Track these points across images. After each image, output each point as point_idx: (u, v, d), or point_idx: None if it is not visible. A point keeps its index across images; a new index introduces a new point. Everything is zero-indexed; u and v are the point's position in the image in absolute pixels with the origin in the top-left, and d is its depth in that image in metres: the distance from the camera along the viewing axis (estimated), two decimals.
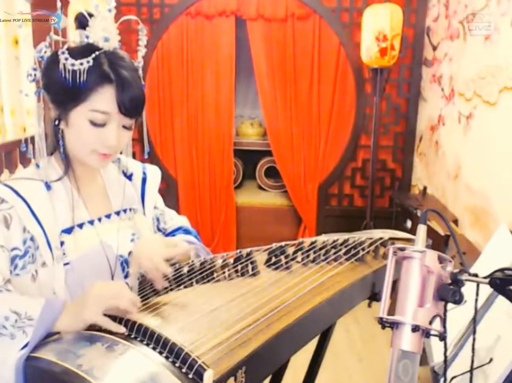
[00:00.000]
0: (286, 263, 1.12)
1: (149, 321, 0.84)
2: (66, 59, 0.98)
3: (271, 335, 0.86)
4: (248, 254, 1.13)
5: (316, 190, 3.84)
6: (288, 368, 1.34)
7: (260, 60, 3.63)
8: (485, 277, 0.81)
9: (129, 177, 1.25)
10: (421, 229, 0.85)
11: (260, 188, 4.30)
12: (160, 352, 0.77)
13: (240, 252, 1.13)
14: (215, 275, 1.05)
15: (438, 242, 2.33)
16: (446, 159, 3.08)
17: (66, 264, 1.03)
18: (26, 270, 0.99)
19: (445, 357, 0.84)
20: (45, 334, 0.86)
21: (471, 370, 0.95)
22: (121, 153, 1.16)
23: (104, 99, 0.99)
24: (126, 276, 1.13)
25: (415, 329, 0.75)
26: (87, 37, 1.02)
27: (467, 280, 0.80)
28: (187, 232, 1.33)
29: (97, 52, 0.99)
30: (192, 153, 3.80)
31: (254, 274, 1.06)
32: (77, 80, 0.97)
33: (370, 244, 1.28)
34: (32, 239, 1.00)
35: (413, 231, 2.12)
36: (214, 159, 3.81)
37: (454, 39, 3.00)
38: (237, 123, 4.25)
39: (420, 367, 0.78)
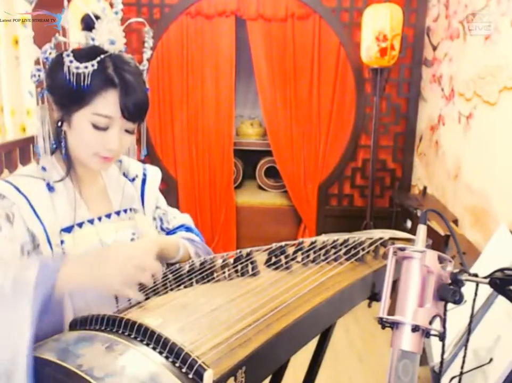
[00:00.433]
0: (286, 263, 1.12)
1: (149, 320, 0.84)
2: (71, 61, 0.97)
3: (271, 335, 0.86)
4: (248, 254, 1.13)
5: (316, 190, 3.84)
6: (288, 368, 1.34)
7: (260, 60, 3.63)
8: (485, 277, 0.81)
9: (133, 179, 1.25)
10: (421, 229, 0.85)
11: (260, 188, 4.30)
12: (160, 352, 0.77)
13: (240, 252, 1.13)
14: (215, 275, 1.05)
15: (438, 242, 2.33)
16: (446, 159, 3.08)
17: None
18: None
19: (442, 357, 0.84)
20: (48, 291, 0.83)
21: (470, 370, 0.95)
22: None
23: (107, 103, 0.99)
24: None
25: (415, 329, 0.75)
26: (93, 39, 1.02)
27: (467, 280, 0.80)
28: (188, 229, 1.33)
29: (102, 56, 0.99)
30: (192, 153, 3.80)
31: (254, 274, 1.06)
32: (81, 83, 0.97)
33: (370, 244, 1.27)
34: (33, 236, 1.00)
35: (413, 231, 2.12)
36: (214, 159, 3.81)
37: (454, 39, 3.00)
38: (237, 123, 4.25)
39: (420, 367, 0.78)
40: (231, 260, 1.11)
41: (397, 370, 0.74)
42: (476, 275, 0.81)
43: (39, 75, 1.03)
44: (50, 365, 0.77)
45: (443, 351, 0.83)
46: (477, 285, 0.85)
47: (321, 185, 3.85)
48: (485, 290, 1.00)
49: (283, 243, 1.19)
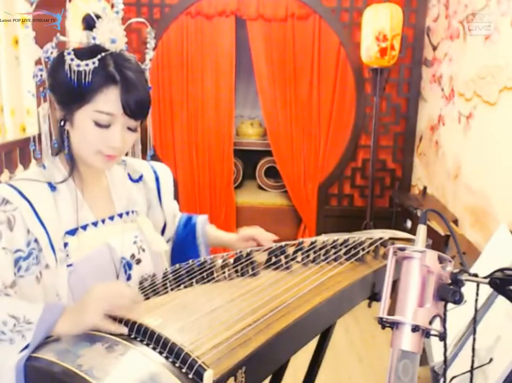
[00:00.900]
0: (286, 263, 1.12)
1: (149, 321, 0.84)
2: (72, 60, 0.98)
3: (271, 335, 0.86)
4: (248, 254, 1.13)
5: (316, 190, 3.84)
6: (288, 368, 1.34)
7: (260, 60, 3.63)
8: (485, 277, 0.81)
9: (137, 180, 1.25)
10: (421, 229, 0.85)
11: (260, 188, 4.30)
12: (160, 352, 0.77)
13: (240, 252, 1.13)
14: (215, 275, 1.05)
15: (438, 242, 2.33)
16: (446, 159, 3.08)
17: (69, 265, 1.03)
18: (30, 271, 0.99)
19: (445, 357, 0.84)
20: (45, 337, 0.85)
21: (471, 370, 0.95)
22: (126, 154, 1.16)
23: (109, 100, 0.99)
24: (128, 279, 1.13)
25: (415, 329, 0.75)
26: (94, 38, 1.02)
27: (467, 280, 0.80)
28: (188, 219, 1.41)
29: (102, 54, 0.99)
30: (192, 153, 3.80)
31: (254, 274, 1.06)
32: (83, 81, 0.97)
33: (370, 244, 1.27)
34: (36, 240, 1.00)
35: (413, 231, 2.12)
36: (214, 159, 3.81)
37: (454, 39, 3.00)
38: (237, 123, 4.25)
39: (420, 367, 0.78)
40: (231, 260, 1.11)
41: (397, 370, 0.74)
42: (476, 275, 0.81)
43: (41, 75, 1.03)
44: (50, 365, 0.77)
45: (445, 351, 0.83)
46: (478, 285, 0.85)
47: (321, 185, 3.85)
48: (485, 290, 1.00)
49: (283, 243, 1.20)
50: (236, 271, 1.07)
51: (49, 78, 1.03)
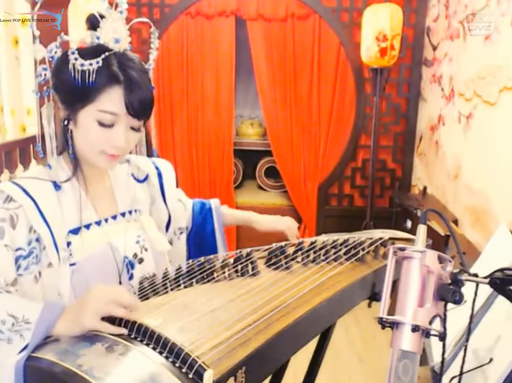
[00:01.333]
0: (286, 263, 1.12)
1: (149, 320, 0.84)
2: (76, 59, 0.98)
3: (271, 335, 0.86)
4: (248, 254, 1.13)
5: (316, 190, 3.84)
6: (288, 368, 1.34)
7: (260, 60, 3.63)
8: (485, 277, 0.81)
9: (143, 180, 1.26)
10: (421, 229, 0.85)
11: (260, 188, 4.30)
12: (160, 352, 0.77)
13: (240, 252, 1.13)
14: (215, 275, 1.05)
15: (438, 242, 2.33)
16: (446, 159, 3.08)
17: (72, 264, 1.03)
18: (29, 271, 0.99)
19: (443, 357, 0.84)
20: (44, 337, 0.85)
21: (470, 370, 0.95)
22: (130, 153, 1.16)
23: (112, 99, 0.99)
24: (131, 278, 1.13)
25: (415, 329, 0.75)
26: (98, 38, 1.02)
27: (467, 280, 0.80)
28: (203, 204, 1.44)
29: (106, 53, 1.00)
30: (192, 153, 3.80)
31: (254, 274, 1.06)
32: (86, 80, 0.98)
33: (370, 244, 1.28)
34: (38, 239, 1.00)
35: (413, 231, 2.12)
36: (214, 159, 3.81)
37: (454, 39, 3.00)
38: (237, 123, 4.25)
39: (420, 367, 0.78)
40: (231, 260, 1.11)
41: (397, 370, 0.74)
42: (476, 275, 0.81)
43: (44, 74, 1.04)
44: (50, 365, 0.77)
45: (443, 351, 0.83)
46: (477, 285, 0.85)
47: (321, 185, 3.85)
48: (485, 290, 1.00)
49: (283, 243, 1.20)
50: (236, 271, 1.07)
51: (53, 78, 1.03)
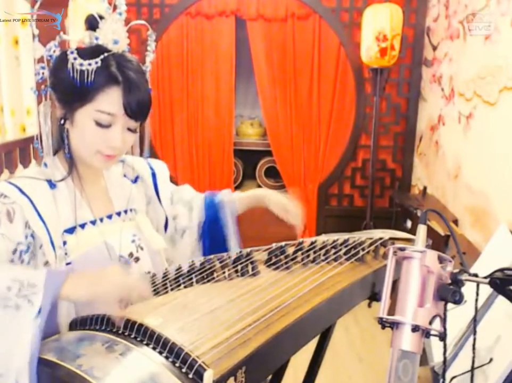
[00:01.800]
0: (286, 263, 1.12)
1: (149, 320, 0.84)
2: (75, 59, 0.98)
3: (271, 335, 0.86)
4: (248, 254, 1.13)
5: (316, 190, 3.84)
6: (288, 368, 1.34)
7: (260, 60, 3.63)
8: (485, 277, 0.81)
9: (134, 180, 1.26)
10: (421, 229, 0.84)
11: (260, 187, 4.30)
12: (160, 352, 0.77)
13: (240, 252, 1.13)
14: (215, 275, 1.05)
15: (438, 242, 2.33)
16: (446, 159, 3.08)
17: (67, 263, 1.03)
18: (30, 265, 0.99)
19: (445, 357, 0.84)
20: (53, 301, 0.84)
21: (472, 370, 0.95)
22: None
23: (110, 100, 1.00)
24: None
25: (415, 329, 0.75)
26: (97, 39, 1.02)
27: (467, 280, 0.80)
28: (212, 195, 1.40)
29: (105, 54, 1.00)
30: (192, 153, 3.80)
31: (254, 274, 1.06)
32: (85, 80, 0.98)
33: (370, 244, 1.27)
34: (32, 235, 1.00)
35: (413, 231, 2.12)
36: (214, 159, 3.81)
37: (454, 39, 3.00)
38: (237, 123, 4.25)
39: (420, 367, 0.78)
40: (231, 260, 1.11)
41: (397, 370, 0.74)
42: (476, 275, 0.81)
43: (42, 73, 1.04)
44: (50, 365, 0.77)
45: (444, 351, 0.83)
46: (478, 285, 0.85)
47: (321, 185, 3.85)
48: (485, 290, 1.00)
49: (283, 243, 1.20)
50: (236, 271, 1.07)
51: (51, 77, 1.03)
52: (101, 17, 1.03)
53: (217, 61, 3.63)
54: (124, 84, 1.00)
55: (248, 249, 1.16)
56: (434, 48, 3.37)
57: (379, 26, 3.20)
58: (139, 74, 1.04)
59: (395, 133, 3.77)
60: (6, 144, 2.86)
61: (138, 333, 0.81)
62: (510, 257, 1.26)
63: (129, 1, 3.52)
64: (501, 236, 1.39)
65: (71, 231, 1.06)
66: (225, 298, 0.94)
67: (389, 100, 3.70)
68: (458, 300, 0.77)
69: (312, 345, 1.19)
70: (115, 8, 1.05)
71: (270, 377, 1.34)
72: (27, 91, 3.21)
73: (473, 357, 0.93)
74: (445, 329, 0.78)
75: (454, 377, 1.07)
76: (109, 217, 1.15)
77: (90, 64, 0.98)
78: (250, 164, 4.38)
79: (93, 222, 1.11)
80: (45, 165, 1.08)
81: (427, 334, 0.77)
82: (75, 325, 0.91)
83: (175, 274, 1.07)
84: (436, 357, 1.21)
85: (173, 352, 0.76)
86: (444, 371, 0.88)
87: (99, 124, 1.01)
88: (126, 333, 0.82)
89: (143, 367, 0.75)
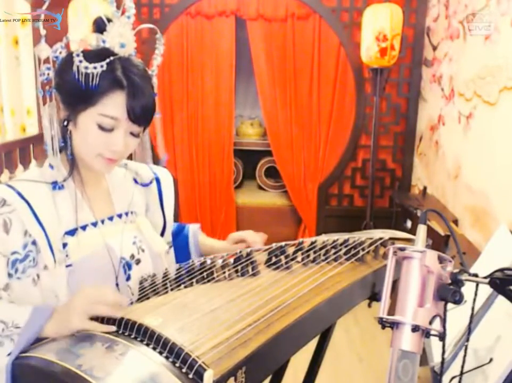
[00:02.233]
0: (286, 263, 1.12)
1: (149, 320, 0.84)
2: (80, 61, 0.98)
3: (271, 335, 0.86)
4: (248, 254, 1.13)
5: (316, 190, 3.84)
6: (288, 368, 1.34)
7: (260, 60, 3.63)
8: (485, 277, 0.81)
9: (147, 184, 1.26)
10: (421, 229, 0.85)
11: (260, 188, 4.30)
12: (161, 352, 0.77)
13: (240, 252, 1.13)
14: (215, 275, 1.05)
15: (438, 242, 2.33)
16: (446, 159, 3.08)
17: (68, 265, 1.03)
18: (26, 274, 0.99)
19: (443, 357, 0.84)
20: (32, 340, 0.87)
21: (463, 369, 0.95)
22: (130, 158, 1.16)
23: (114, 104, 0.99)
24: (128, 279, 1.13)
25: (415, 328, 0.75)
26: (104, 42, 1.02)
27: (467, 280, 0.80)
28: (180, 228, 1.40)
29: (111, 57, 0.99)
30: (192, 153, 3.80)
31: (254, 274, 1.06)
32: (90, 83, 0.98)
33: (370, 244, 1.27)
34: (34, 242, 0.99)
35: (413, 231, 2.12)
36: (214, 159, 3.81)
37: (454, 39, 3.00)
38: (237, 123, 4.25)
39: (420, 367, 0.78)
40: (231, 260, 1.11)
41: (397, 370, 0.74)
42: (476, 275, 0.81)
43: (48, 74, 1.03)
44: (50, 365, 0.77)
45: (443, 351, 0.83)
46: (477, 285, 0.85)
47: (321, 185, 3.85)
48: (485, 290, 1.00)
49: (283, 243, 1.19)
50: (236, 271, 1.07)
51: (56, 78, 1.03)
52: (109, 20, 1.03)
53: (217, 61, 3.63)
54: (129, 89, 1.00)
55: (248, 249, 1.16)
56: (434, 48, 3.37)
57: (379, 26, 3.20)
58: (144, 79, 1.03)
59: (395, 133, 3.77)
60: (6, 144, 2.86)
61: (138, 333, 0.81)
62: (510, 257, 1.26)
63: None
64: (501, 236, 1.39)
65: (72, 232, 1.06)
66: (225, 298, 0.94)
67: (389, 100, 3.70)
68: (458, 300, 0.77)
69: (312, 345, 1.19)
70: (123, 11, 1.04)
71: (270, 377, 1.34)
72: (27, 91, 3.21)
73: (464, 357, 0.93)
74: (444, 329, 0.78)
75: (454, 377, 1.07)
76: (110, 218, 1.15)
77: (95, 67, 0.98)
78: (250, 164, 4.38)
79: (94, 224, 1.10)
80: (51, 167, 1.07)
81: (427, 334, 0.77)
82: None
83: (176, 274, 1.07)
84: (436, 357, 1.21)
85: (173, 353, 0.76)
86: (442, 371, 0.88)
87: (102, 128, 1.01)
88: (126, 333, 0.82)
89: (143, 367, 0.75)
